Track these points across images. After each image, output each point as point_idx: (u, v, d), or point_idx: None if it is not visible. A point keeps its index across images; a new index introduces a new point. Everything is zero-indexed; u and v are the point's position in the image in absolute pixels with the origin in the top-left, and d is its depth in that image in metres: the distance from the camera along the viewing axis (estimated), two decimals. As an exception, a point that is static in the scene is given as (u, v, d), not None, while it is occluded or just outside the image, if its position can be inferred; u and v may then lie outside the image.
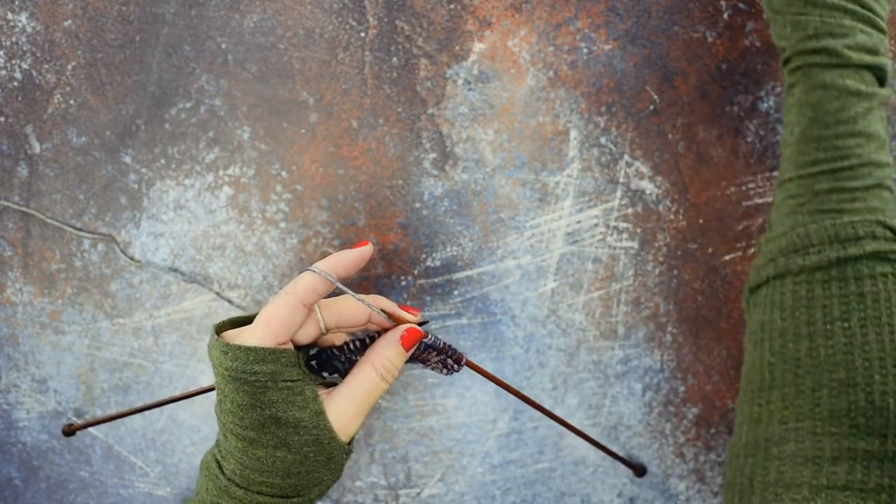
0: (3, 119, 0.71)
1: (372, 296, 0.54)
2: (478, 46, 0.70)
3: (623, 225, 0.72)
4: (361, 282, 0.72)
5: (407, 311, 0.55)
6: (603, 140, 0.71)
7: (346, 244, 0.72)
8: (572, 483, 0.74)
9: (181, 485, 0.75)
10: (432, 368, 0.56)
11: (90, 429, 0.74)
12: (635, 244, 0.72)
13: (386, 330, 0.54)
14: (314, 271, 0.51)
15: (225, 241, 0.72)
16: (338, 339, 0.56)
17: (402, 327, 0.53)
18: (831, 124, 0.57)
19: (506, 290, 0.72)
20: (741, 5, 0.70)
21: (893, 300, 0.53)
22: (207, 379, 0.73)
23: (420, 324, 0.55)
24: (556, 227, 0.72)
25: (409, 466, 0.74)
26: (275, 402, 0.49)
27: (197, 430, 0.74)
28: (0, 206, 0.72)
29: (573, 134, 0.71)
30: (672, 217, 0.72)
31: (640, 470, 0.73)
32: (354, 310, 0.53)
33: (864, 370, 0.52)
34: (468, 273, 0.72)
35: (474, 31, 0.70)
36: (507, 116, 0.71)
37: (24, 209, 0.72)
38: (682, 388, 0.73)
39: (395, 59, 0.70)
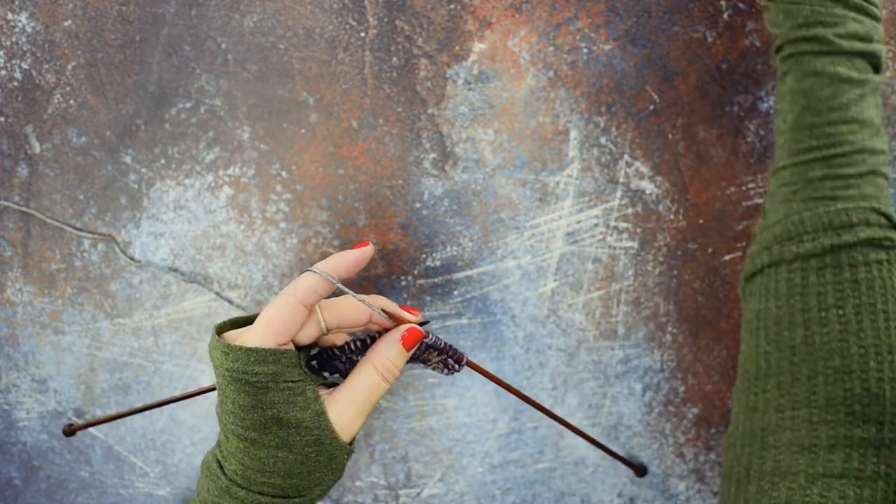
0: (3, 119, 0.71)
1: (373, 296, 0.54)
2: (478, 46, 0.70)
3: (623, 225, 0.72)
4: (361, 282, 0.72)
5: (408, 311, 0.55)
6: (603, 140, 0.71)
7: (346, 244, 0.72)
8: (572, 483, 0.74)
9: (181, 485, 0.75)
10: (433, 368, 0.56)
11: (90, 429, 0.74)
12: (635, 244, 0.72)
13: (387, 330, 0.54)
14: (315, 272, 0.51)
15: (225, 241, 0.72)
16: (339, 339, 0.56)
17: (403, 327, 0.53)
18: (823, 111, 0.57)
19: (506, 290, 0.72)
20: (741, 5, 0.70)
21: (888, 287, 0.53)
22: (207, 379, 0.73)
23: (421, 324, 0.55)
24: (556, 227, 0.72)
25: (409, 466, 0.74)
26: (276, 403, 0.49)
27: (197, 430, 0.74)
28: (0, 206, 0.72)
29: (573, 134, 0.71)
30: (672, 217, 0.72)
31: (640, 470, 0.73)
32: (355, 310, 0.53)
33: (860, 357, 0.52)
34: (468, 273, 0.72)
35: (474, 31, 0.70)
36: (507, 116, 0.71)
37: (24, 209, 0.72)
38: (682, 388, 0.73)
39: (395, 59, 0.70)
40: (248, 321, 0.53)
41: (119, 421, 0.74)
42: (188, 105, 0.71)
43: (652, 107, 0.71)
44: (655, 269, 0.72)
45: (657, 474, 0.74)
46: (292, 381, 0.49)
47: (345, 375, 0.54)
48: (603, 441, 0.73)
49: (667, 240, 0.72)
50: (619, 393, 0.73)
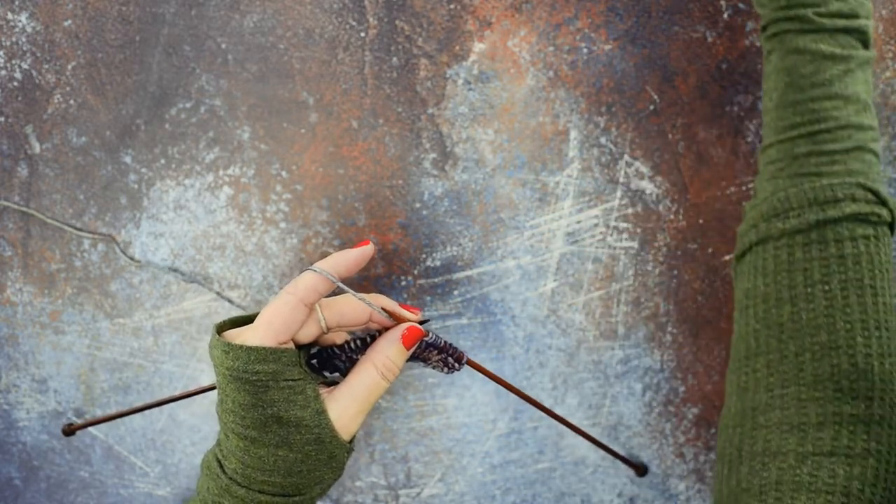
0: (3, 119, 0.71)
1: (373, 294, 0.54)
2: (478, 46, 0.71)
3: (623, 225, 0.72)
4: (362, 282, 0.72)
5: (408, 310, 0.55)
6: (603, 140, 0.71)
7: (346, 244, 0.72)
8: (572, 483, 0.74)
9: (181, 485, 0.75)
10: (433, 367, 0.56)
11: (90, 429, 0.74)
12: (635, 244, 0.72)
13: (387, 329, 0.54)
14: (315, 270, 0.51)
15: (225, 241, 0.72)
16: (339, 337, 0.56)
17: (403, 326, 0.53)
18: (806, 88, 0.57)
19: (506, 290, 0.72)
20: (741, 5, 0.70)
21: (876, 262, 0.53)
22: (207, 379, 0.73)
23: (421, 322, 0.55)
24: (556, 227, 0.72)
25: (409, 466, 0.74)
26: (276, 402, 0.49)
27: (197, 429, 0.74)
28: (0, 206, 0.72)
29: (573, 134, 0.71)
30: (672, 217, 0.72)
31: (641, 469, 0.73)
32: (355, 309, 0.53)
33: (846, 333, 0.52)
34: (468, 273, 0.72)
35: (474, 31, 0.70)
36: (507, 116, 0.71)
37: (24, 209, 0.72)
38: (682, 388, 0.73)
39: (395, 59, 0.71)
40: (248, 320, 0.53)
41: (119, 421, 0.74)
42: (188, 105, 0.71)
43: (652, 107, 0.71)
44: (655, 269, 0.73)
45: (657, 474, 0.74)
46: (292, 380, 0.49)
47: (345, 374, 0.54)
48: (603, 441, 0.73)
49: (667, 240, 0.72)
50: (619, 393, 0.73)
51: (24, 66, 0.71)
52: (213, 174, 0.71)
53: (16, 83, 0.71)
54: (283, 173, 0.71)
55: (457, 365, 0.55)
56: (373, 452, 0.74)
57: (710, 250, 0.72)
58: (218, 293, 0.72)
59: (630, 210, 0.72)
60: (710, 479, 0.74)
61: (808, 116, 0.57)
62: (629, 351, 0.73)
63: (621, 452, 0.74)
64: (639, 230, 0.72)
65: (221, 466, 0.51)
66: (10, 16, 0.70)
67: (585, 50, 0.71)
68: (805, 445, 0.50)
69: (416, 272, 0.72)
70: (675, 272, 0.73)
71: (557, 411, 0.73)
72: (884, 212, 0.55)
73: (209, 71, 0.70)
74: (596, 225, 0.72)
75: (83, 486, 0.75)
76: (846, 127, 0.56)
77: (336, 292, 0.53)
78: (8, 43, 0.71)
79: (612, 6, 0.70)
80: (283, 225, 0.72)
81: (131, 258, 0.72)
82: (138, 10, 0.70)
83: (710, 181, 0.72)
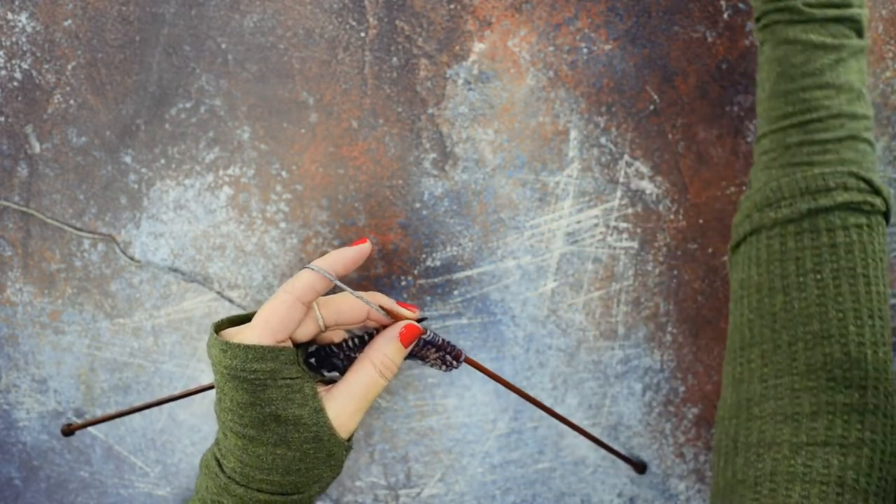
0: (3, 119, 0.71)
1: (370, 293, 0.54)
2: (478, 46, 0.71)
3: (623, 225, 0.72)
4: (361, 281, 0.72)
5: (405, 308, 0.55)
6: (603, 140, 0.71)
7: (345, 244, 0.72)
8: (572, 483, 0.74)
9: (181, 485, 0.75)
10: (431, 365, 0.56)
11: (90, 429, 0.74)
12: (635, 244, 0.72)
13: (385, 327, 0.54)
14: (313, 269, 0.51)
15: (225, 241, 0.72)
16: (336, 336, 0.56)
17: (401, 324, 0.53)
18: (797, 77, 0.57)
19: (506, 290, 0.72)
20: (741, 5, 0.70)
21: (869, 251, 0.53)
22: (207, 378, 0.73)
23: (419, 320, 0.54)
24: (556, 227, 0.72)
25: (409, 466, 0.74)
26: (274, 400, 0.49)
27: (197, 429, 0.74)
28: (0, 206, 0.72)
29: (573, 134, 0.71)
30: (672, 217, 0.72)
31: (640, 467, 0.73)
32: (353, 307, 0.53)
33: (839, 321, 0.51)
34: (468, 273, 0.72)
35: (474, 31, 0.70)
36: (507, 116, 0.71)
37: (24, 209, 0.72)
38: (682, 388, 0.73)
39: (395, 59, 0.71)
40: (246, 319, 0.53)
41: (119, 421, 0.74)
42: (188, 105, 0.71)
43: (652, 107, 0.71)
44: (655, 269, 0.72)
45: (657, 474, 0.74)
46: (290, 378, 0.49)
47: (343, 372, 0.54)
48: (603, 441, 0.73)
49: (667, 240, 0.72)
50: (619, 393, 0.73)
51: (24, 66, 0.71)
52: (213, 174, 0.71)
53: (16, 83, 0.71)
54: (283, 173, 0.71)
55: (455, 363, 0.55)
56: (373, 452, 0.74)
57: (710, 250, 0.72)
58: (218, 293, 0.72)
59: (630, 210, 0.72)
60: (710, 479, 0.74)
61: (799, 106, 0.57)
62: (629, 351, 0.73)
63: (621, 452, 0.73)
64: (639, 230, 0.72)
65: (220, 465, 0.51)
66: (10, 16, 0.70)
67: (585, 50, 0.71)
68: (799, 436, 0.50)
69: (416, 272, 0.72)
70: (675, 272, 0.72)
71: (557, 411, 0.73)
72: (877, 201, 0.55)
73: (209, 71, 0.71)
74: (596, 225, 0.72)
75: (83, 486, 0.75)
76: (838, 116, 0.56)
77: (334, 291, 0.53)
78: (8, 43, 0.71)
79: (612, 6, 0.70)
80: (283, 225, 0.72)
81: (131, 258, 0.72)
82: (138, 10, 0.70)
83: (710, 181, 0.72)
